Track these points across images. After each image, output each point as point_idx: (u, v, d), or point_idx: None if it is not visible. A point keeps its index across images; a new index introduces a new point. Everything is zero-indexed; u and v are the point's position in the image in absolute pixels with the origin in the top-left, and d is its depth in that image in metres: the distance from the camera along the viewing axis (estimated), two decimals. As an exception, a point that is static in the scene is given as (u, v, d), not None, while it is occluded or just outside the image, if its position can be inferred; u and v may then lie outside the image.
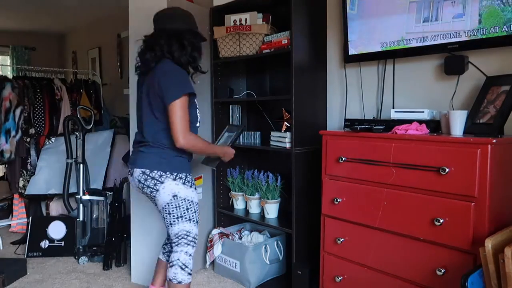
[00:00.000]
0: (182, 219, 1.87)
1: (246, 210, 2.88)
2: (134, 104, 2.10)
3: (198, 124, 1.97)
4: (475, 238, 1.54)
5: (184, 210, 1.86)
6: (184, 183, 1.86)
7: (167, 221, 1.89)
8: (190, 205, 1.88)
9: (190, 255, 1.92)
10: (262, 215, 2.75)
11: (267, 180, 2.69)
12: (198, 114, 1.97)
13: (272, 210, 2.69)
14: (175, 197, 1.84)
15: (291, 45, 2.32)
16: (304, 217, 2.42)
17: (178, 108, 1.74)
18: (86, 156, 3.37)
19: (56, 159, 3.78)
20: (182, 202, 1.85)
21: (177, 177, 1.85)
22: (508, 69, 1.83)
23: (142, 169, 1.86)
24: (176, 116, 1.74)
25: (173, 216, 1.87)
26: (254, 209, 2.81)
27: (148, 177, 1.84)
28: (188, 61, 1.91)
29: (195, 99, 1.93)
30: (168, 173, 1.84)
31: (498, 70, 1.86)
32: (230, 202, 2.99)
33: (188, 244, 1.91)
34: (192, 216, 1.90)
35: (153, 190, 1.85)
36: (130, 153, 2.04)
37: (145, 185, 1.86)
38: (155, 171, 1.84)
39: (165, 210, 1.87)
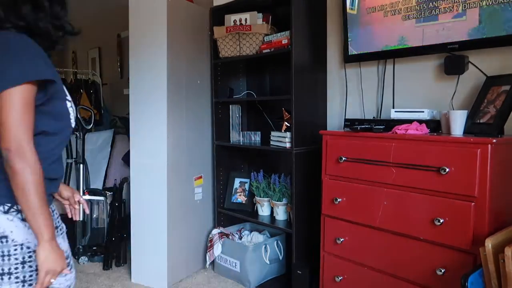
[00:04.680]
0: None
1: (252, 210, 2.88)
2: (135, 104, 2.04)
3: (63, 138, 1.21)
4: (475, 238, 1.54)
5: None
6: (22, 219, 1.11)
7: None
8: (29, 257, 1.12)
9: None
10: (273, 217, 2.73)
11: (269, 181, 2.68)
12: (72, 119, 1.22)
13: (280, 212, 2.66)
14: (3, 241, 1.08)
15: (291, 45, 2.32)
16: (304, 217, 2.42)
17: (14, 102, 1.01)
18: (86, 156, 3.37)
19: (56, 159, 3.78)
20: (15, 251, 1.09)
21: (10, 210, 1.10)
22: (508, 69, 1.83)
23: None
24: (10, 115, 1.00)
25: None
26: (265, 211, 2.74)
27: None
28: (50, 25, 1.21)
29: (62, 93, 1.18)
30: None
31: (498, 70, 1.86)
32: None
33: None
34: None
35: None
36: None
37: None
38: None
39: None
